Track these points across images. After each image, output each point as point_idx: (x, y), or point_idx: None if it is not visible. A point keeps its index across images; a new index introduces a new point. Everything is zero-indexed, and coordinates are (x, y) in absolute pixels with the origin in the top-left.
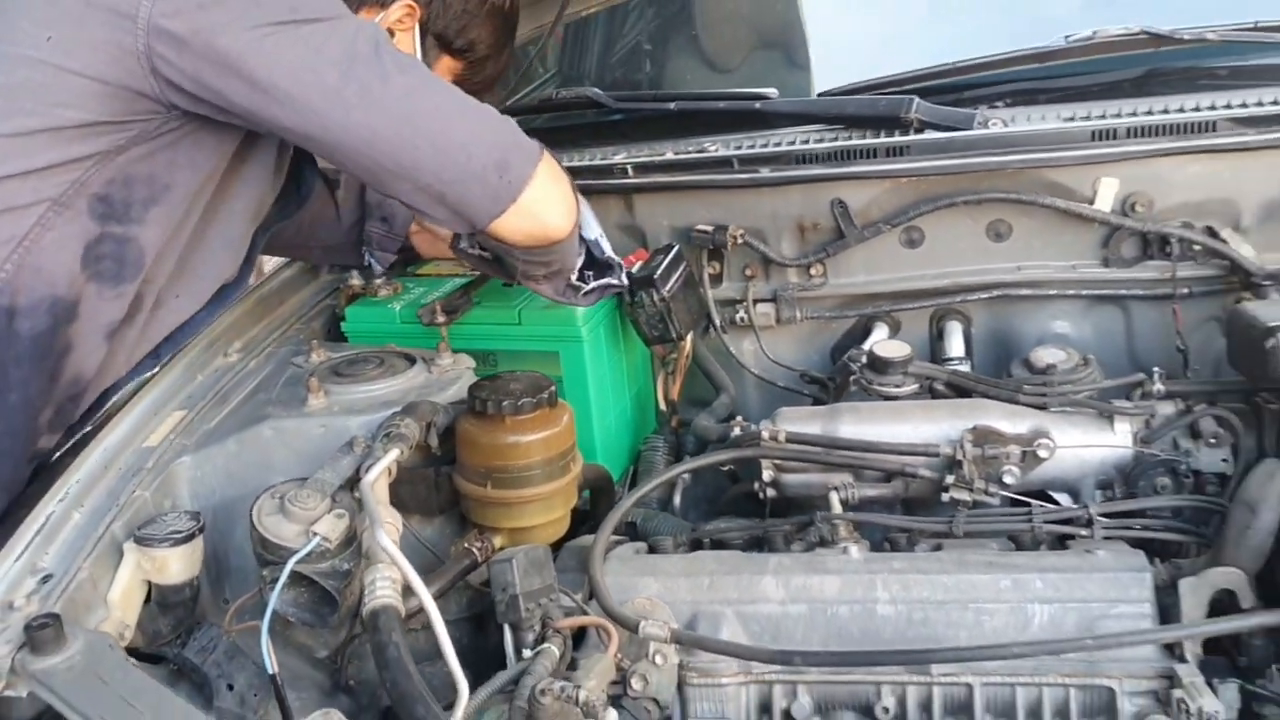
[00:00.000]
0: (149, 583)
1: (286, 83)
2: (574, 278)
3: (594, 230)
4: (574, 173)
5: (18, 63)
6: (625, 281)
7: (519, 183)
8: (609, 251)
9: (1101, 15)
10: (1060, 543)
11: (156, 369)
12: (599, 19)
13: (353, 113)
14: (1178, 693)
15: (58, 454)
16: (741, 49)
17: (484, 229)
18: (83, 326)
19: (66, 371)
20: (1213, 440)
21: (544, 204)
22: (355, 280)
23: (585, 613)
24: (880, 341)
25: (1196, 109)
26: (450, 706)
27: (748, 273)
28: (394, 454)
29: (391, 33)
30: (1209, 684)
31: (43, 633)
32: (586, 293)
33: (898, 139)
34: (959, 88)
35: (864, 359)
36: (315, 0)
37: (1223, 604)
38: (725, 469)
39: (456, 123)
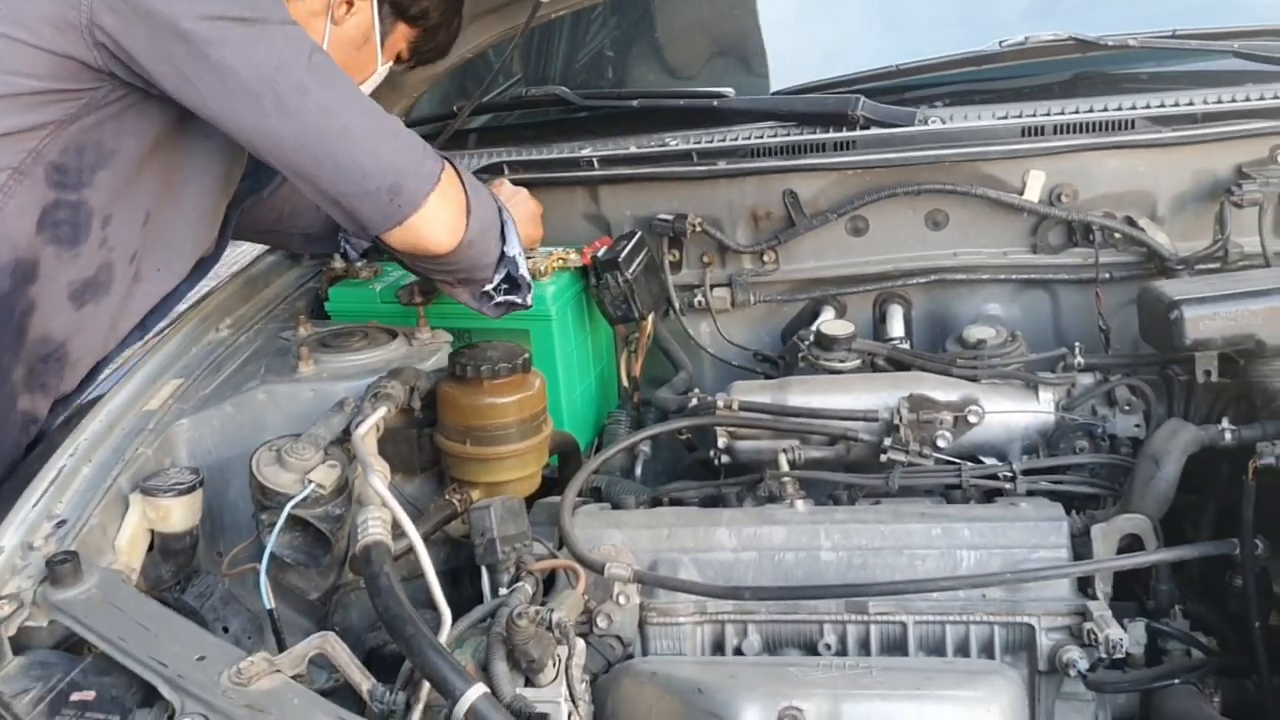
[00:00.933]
0: (153, 531)
1: (211, 78)
2: (490, 287)
3: (515, 248)
4: (541, 166)
5: None
6: (530, 303)
7: (408, 208)
8: (524, 270)
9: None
10: (988, 498)
11: (145, 340)
12: (564, 27)
13: (265, 118)
14: (1088, 625)
15: (64, 417)
16: (701, 56)
17: (374, 238)
18: (43, 287)
19: (32, 330)
20: (1127, 407)
21: (429, 227)
22: (337, 263)
23: (556, 557)
24: (826, 321)
25: (1118, 109)
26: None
27: (705, 259)
28: (382, 410)
29: (350, 2)
30: (1119, 622)
31: (63, 567)
32: (496, 304)
33: (845, 134)
34: (902, 88)
35: (811, 337)
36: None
37: (1131, 548)
38: (682, 438)
39: (360, 145)
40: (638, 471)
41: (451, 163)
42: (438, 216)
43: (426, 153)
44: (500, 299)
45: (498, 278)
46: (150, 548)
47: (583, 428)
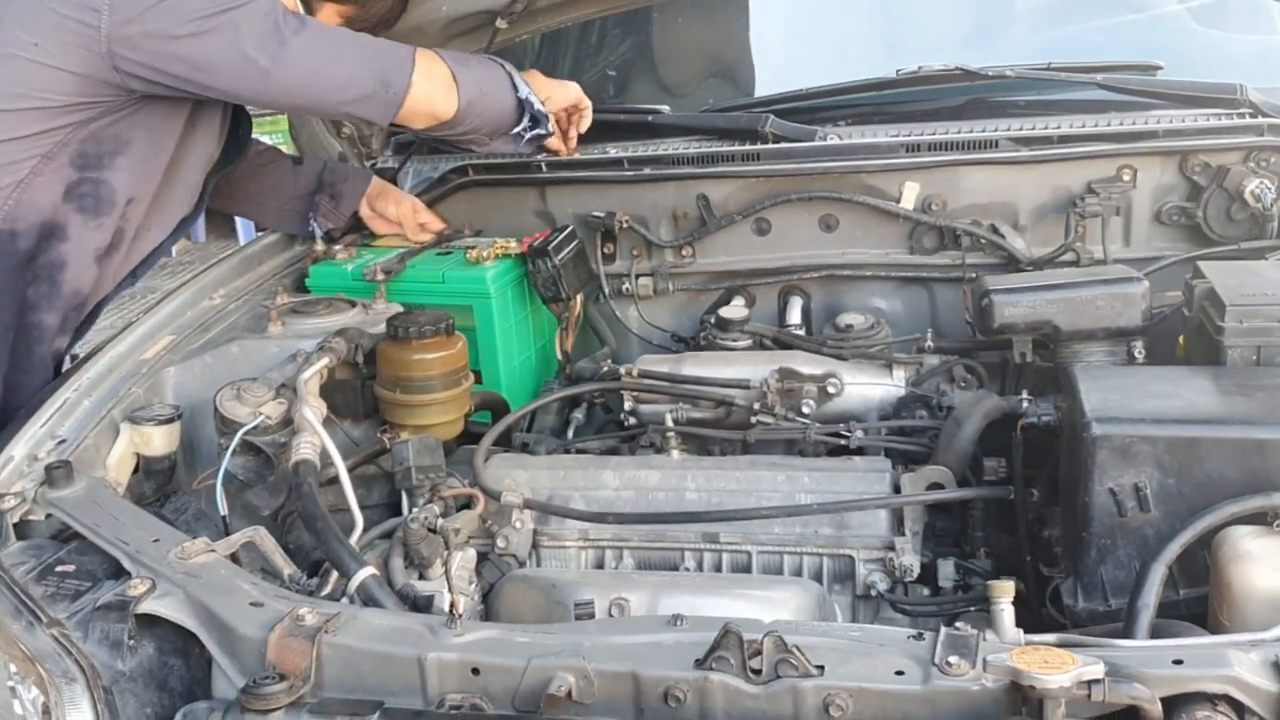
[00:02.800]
0: (138, 455)
1: (218, 60)
2: (519, 129)
3: (525, 90)
4: (499, 169)
5: (11, 60)
6: (551, 130)
7: (402, 91)
8: (539, 106)
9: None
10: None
11: (136, 285)
12: (569, 48)
13: (268, 75)
14: (891, 555)
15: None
16: (696, 76)
17: (390, 124)
18: (74, 248)
19: (66, 285)
20: (963, 384)
21: (427, 99)
22: (319, 246)
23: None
24: (725, 307)
25: (985, 130)
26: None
27: (635, 252)
28: (325, 360)
29: None
30: (936, 563)
31: (57, 471)
32: (526, 141)
33: (750, 147)
34: (815, 109)
35: (713, 320)
36: None
37: None
38: (599, 402)
39: (344, 62)
40: (570, 434)
41: (432, 49)
42: (429, 89)
43: (396, 47)
44: (528, 136)
45: (525, 120)
46: (135, 470)
47: (521, 394)
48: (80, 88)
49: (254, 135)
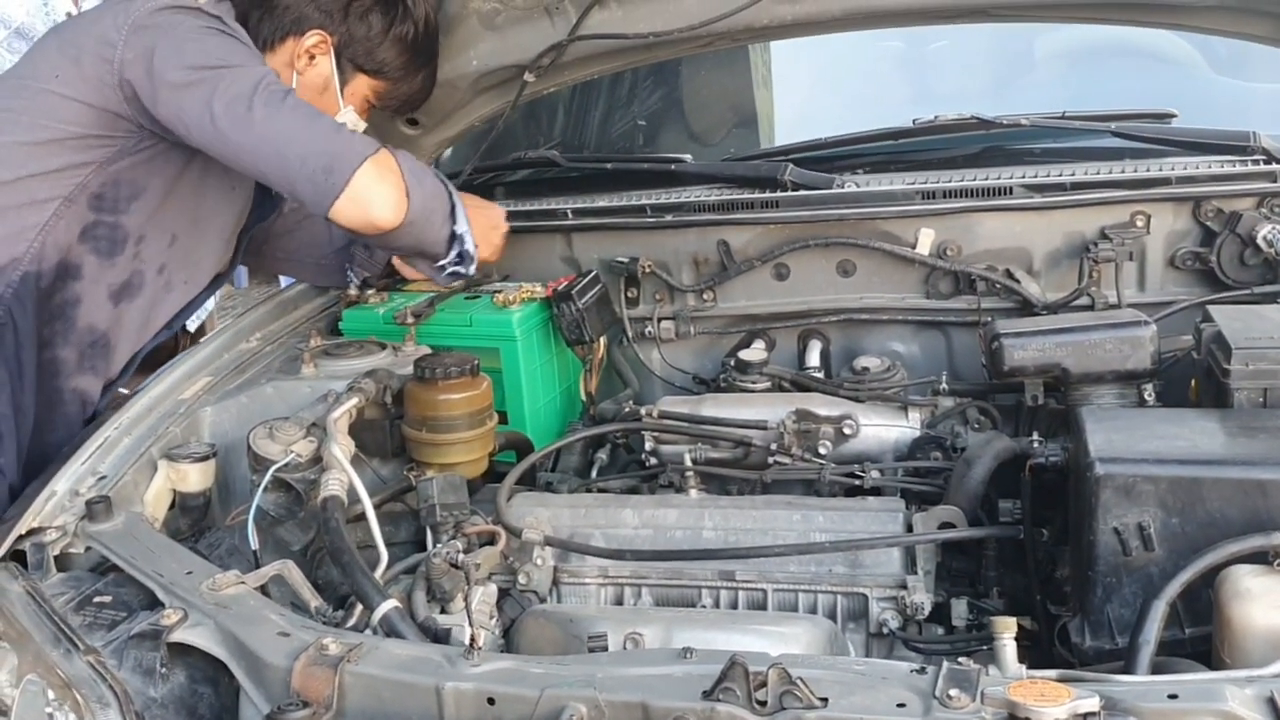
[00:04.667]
0: (174, 491)
1: (191, 112)
2: (444, 261)
3: (464, 226)
4: (527, 215)
5: (37, 93)
6: (471, 273)
7: (341, 183)
8: (469, 246)
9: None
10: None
11: (171, 334)
12: (600, 99)
13: (226, 133)
14: (903, 593)
15: (114, 403)
16: (724, 126)
17: (326, 216)
18: (87, 285)
19: (80, 320)
20: (976, 425)
21: (366, 199)
22: (352, 291)
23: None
24: (746, 349)
25: (999, 177)
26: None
27: (657, 297)
28: (354, 400)
29: (312, 56)
30: (950, 602)
31: (98, 506)
32: (447, 274)
33: (769, 195)
34: (834, 158)
35: (733, 363)
36: (219, 52)
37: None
38: (622, 443)
39: (297, 140)
40: (593, 474)
41: (394, 154)
42: (373, 191)
43: (362, 142)
44: (450, 269)
45: (452, 253)
46: (171, 506)
47: (546, 433)
48: (96, 120)
49: None
